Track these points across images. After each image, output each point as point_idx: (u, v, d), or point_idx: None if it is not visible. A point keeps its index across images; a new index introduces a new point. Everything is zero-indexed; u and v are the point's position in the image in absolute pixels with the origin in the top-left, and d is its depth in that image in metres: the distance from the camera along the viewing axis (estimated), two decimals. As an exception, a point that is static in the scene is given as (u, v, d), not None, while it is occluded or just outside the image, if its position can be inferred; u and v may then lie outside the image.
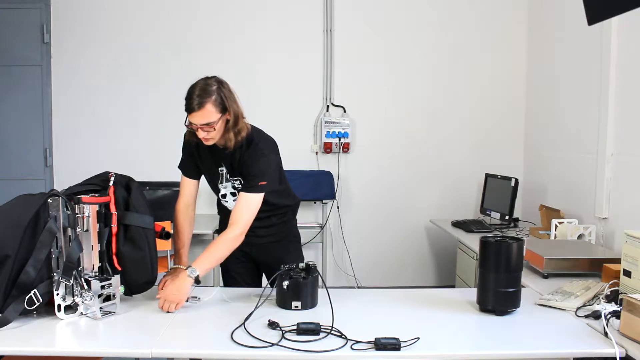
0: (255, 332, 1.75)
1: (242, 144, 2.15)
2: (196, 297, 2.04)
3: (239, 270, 2.42)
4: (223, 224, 2.44)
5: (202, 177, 2.35)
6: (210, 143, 2.12)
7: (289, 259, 2.18)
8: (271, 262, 2.31)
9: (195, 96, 2.02)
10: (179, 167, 2.33)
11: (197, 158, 2.27)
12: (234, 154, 2.17)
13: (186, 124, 2.10)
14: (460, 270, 3.72)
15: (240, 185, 2.23)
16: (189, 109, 2.04)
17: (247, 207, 2.13)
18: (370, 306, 2.09)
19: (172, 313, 1.95)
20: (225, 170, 2.25)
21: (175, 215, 2.29)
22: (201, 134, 2.07)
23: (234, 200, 2.29)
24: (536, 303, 2.08)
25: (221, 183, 2.28)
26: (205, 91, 2.03)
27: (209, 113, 2.02)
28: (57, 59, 4.38)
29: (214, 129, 2.06)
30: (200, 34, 4.40)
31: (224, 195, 2.30)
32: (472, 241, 3.34)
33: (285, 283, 1.98)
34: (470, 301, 2.07)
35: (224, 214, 2.38)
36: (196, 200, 2.34)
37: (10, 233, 1.79)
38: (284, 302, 2.00)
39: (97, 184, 2.02)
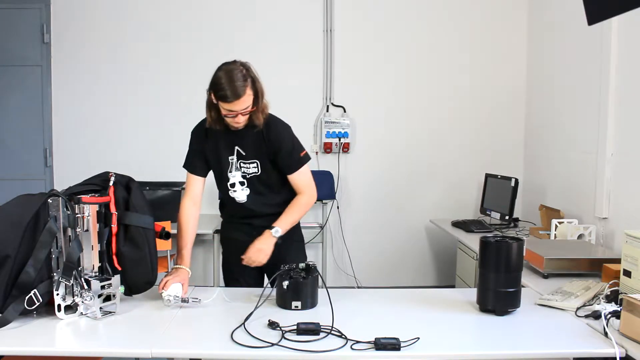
0: (255, 332, 1.75)
1: (262, 127, 2.21)
2: (197, 298, 2.03)
3: (240, 270, 2.42)
4: (228, 217, 2.44)
5: (206, 177, 2.34)
6: (241, 126, 2.18)
7: (292, 259, 2.18)
8: (273, 261, 2.30)
9: (234, 84, 2.05)
10: (184, 166, 2.33)
11: (206, 149, 2.27)
12: (253, 135, 2.22)
13: (222, 113, 2.13)
14: (460, 270, 3.72)
15: (253, 171, 2.26)
16: (229, 97, 2.06)
17: (305, 180, 2.30)
18: (370, 306, 2.09)
19: (172, 313, 1.95)
20: (235, 159, 2.25)
21: (179, 213, 2.28)
22: (240, 119, 2.13)
23: (242, 190, 2.29)
24: (536, 303, 2.08)
25: (230, 172, 2.28)
26: (241, 78, 2.07)
27: (248, 98, 2.10)
28: (57, 59, 4.38)
29: (249, 112, 2.13)
30: (199, 34, 4.40)
31: (233, 185, 2.29)
32: (472, 241, 3.34)
33: (285, 283, 1.98)
34: (470, 301, 2.07)
35: (232, 206, 2.35)
36: (201, 199, 2.34)
37: (11, 233, 1.79)
38: (284, 302, 2.00)
39: (97, 184, 2.01)
